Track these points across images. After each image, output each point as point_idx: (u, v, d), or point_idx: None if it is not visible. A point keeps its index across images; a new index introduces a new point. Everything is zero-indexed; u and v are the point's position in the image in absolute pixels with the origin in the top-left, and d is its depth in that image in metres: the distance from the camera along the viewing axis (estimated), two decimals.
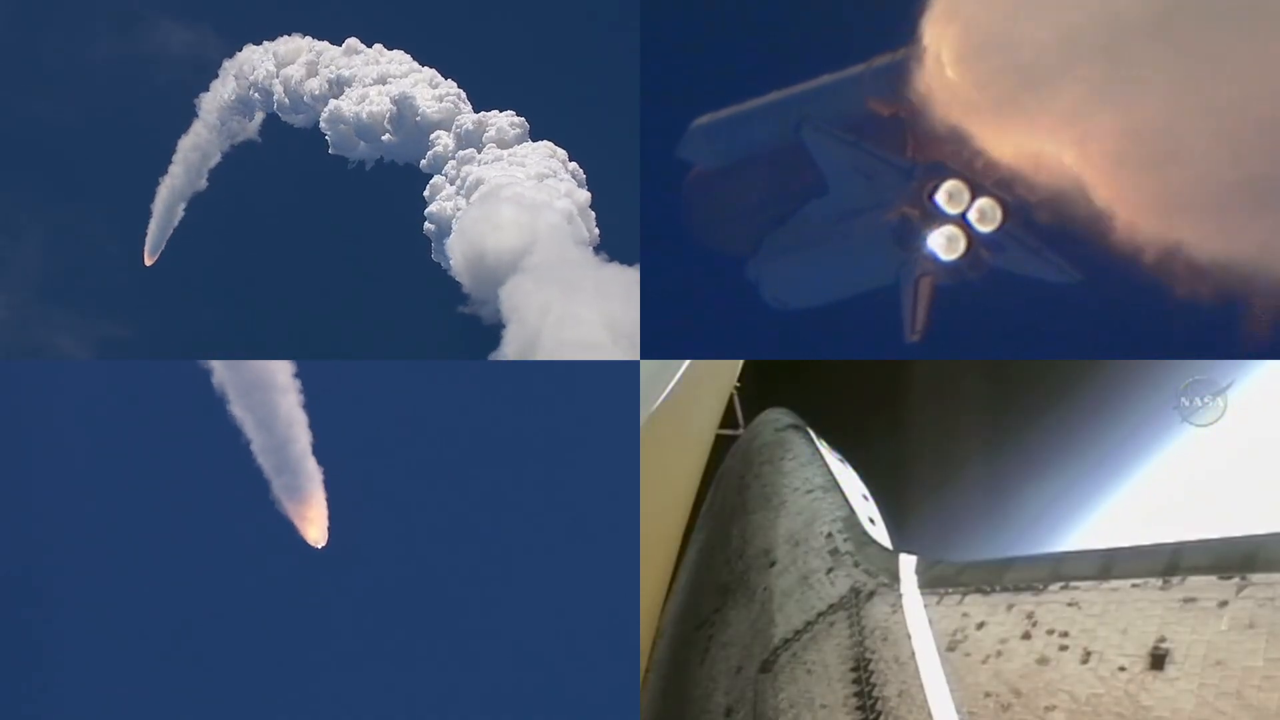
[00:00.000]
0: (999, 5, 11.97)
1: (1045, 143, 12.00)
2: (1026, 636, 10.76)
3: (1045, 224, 12.44)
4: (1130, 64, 11.46)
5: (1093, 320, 13.92)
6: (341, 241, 33.31)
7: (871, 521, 17.46)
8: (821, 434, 22.08)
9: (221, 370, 16.28)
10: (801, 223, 13.39)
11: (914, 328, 13.14)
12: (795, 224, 13.41)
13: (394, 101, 30.86)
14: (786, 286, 13.70)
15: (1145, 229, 11.80)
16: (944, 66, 12.25)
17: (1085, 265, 12.54)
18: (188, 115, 34.03)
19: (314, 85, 32.07)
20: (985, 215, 12.59)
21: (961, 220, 12.69)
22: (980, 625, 11.49)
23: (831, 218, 13.13)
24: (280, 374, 16.60)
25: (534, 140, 30.52)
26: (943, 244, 12.80)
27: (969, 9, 12.05)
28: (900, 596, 13.27)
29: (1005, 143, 12.31)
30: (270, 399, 16.81)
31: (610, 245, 28.07)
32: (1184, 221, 11.67)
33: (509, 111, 30.80)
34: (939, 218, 12.71)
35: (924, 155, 12.83)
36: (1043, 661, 10.28)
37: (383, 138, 31.17)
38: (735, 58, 14.74)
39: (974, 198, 12.60)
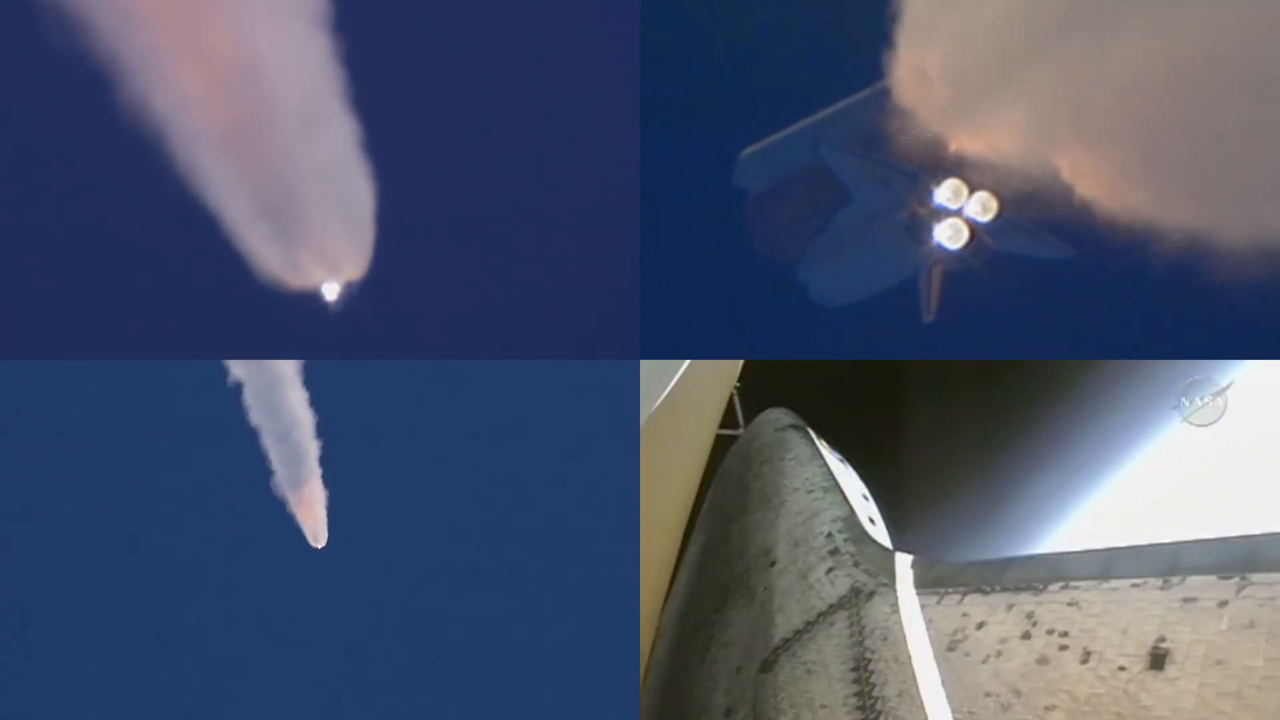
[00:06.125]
0: (966, 23, 13.25)
1: (1028, 138, 13.32)
2: (1026, 636, 10.75)
3: (1037, 209, 13.70)
4: (1088, 55, 12.58)
5: (1093, 320, 14.72)
6: None
7: (871, 521, 17.45)
8: (821, 434, 22.08)
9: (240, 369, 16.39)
10: (835, 229, 15.00)
11: (929, 309, 14.66)
12: (830, 231, 15.02)
13: None
14: (829, 287, 15.26)
15: (1124, 208, 12.94)
16: (931, 82, 13.62)
17: (1077, 246, 13.84)
18: None
19: None
20: (984, 207, 13.88)
21: (962, 213, 13.98)
22: (980, 625, 11.48)
23: (857, 222, 14.79)
24: (289, 371, 16.66)
25: None
26: (949, 235, 14.10)
27: (941, 31, 13.42)
28: (900, 596, 13.27)
29: (995, 142, 13.63)
30: (277, 397, 16.84)
31: None
32: (1160, 200, 12.75)
33: None
34: (943, 213, 14.05)
35: (926, 160, 14.09)
36: (1043, 661, 10.27)
37: None
38: (731, 58, 15.44)
39: (972, 192, 13.89)
